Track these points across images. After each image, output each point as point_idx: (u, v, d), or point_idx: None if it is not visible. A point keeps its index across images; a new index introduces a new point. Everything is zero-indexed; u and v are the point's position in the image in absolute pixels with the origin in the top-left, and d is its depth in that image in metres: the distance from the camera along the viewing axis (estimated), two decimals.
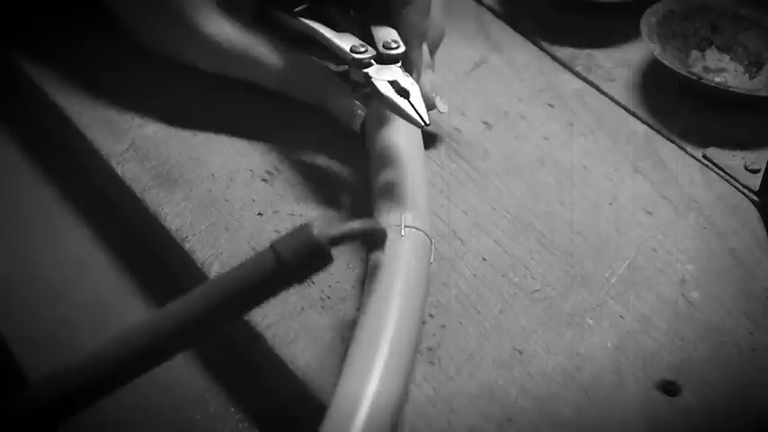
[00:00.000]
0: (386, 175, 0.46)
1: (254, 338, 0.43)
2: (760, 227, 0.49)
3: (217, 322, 0.36)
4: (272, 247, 0.37)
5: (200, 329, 0.36)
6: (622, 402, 0.41)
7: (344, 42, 0.48)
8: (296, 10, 0.51)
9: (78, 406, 0.35)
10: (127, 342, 0.35)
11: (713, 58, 0.58)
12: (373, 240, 0.42)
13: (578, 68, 0.58)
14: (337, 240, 0.37)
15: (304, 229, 0.37)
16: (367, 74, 0.47)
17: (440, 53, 0.54)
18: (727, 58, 0.58)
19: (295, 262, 0.36)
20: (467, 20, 0.61)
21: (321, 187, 0.49)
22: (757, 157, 0.52)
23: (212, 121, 0.52)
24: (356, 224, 0.39)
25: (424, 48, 0.50)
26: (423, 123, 0.45)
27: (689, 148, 0.53)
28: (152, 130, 0.51)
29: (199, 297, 0.36)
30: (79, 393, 0.35)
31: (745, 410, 0.41)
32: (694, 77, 0.54)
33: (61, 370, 0.35)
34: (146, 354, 0.35)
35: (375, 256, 0.42)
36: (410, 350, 0.39)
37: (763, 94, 0.54)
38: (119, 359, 0.35)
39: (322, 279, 0.44)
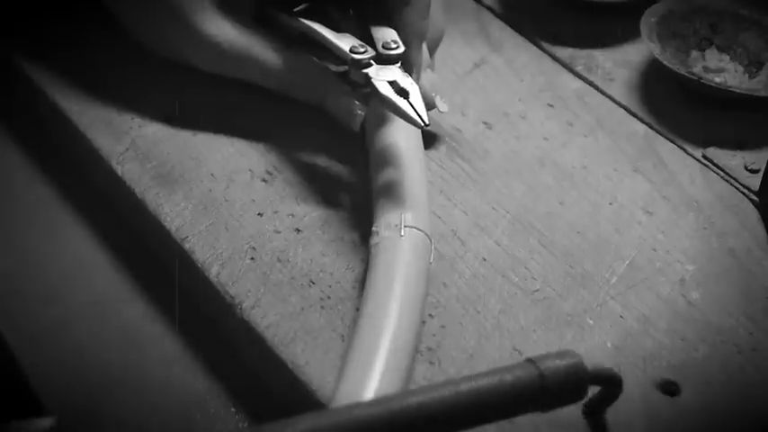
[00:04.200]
0: (386, 175, 0.46)
1: (254, 338, 0.43)
2: (760, 227, 0.49)
3: (452, 426, 0.34)
4: (533, 363, 0.34)
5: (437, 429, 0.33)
6: (622, 402, 0.41)
7: (344, 43, 0.48)
8: (295, 10, 0.51)
9: None
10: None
11: (713, 58, 0.58)
12: (611, 395, 0.38)
13: (578, 68, 0.58)
14: (596, 380, 0.35)
15: (573, 358, 0.35)
16: (367, 74, 0.47)
17: (440, 53, 0.54)
18: (727, 57, 0.58)
19: (557, 390, 0.34)
20: (467, 20, 0.61)
21: (321, 187, 0.49)
22: (757, 157, 0.52)
23: (212, 121, 0.52)
24: (611, 370, 0.37)
25: (424, 48, 0.50)
26: (422, 124, 0.45)
27: (689, 148, 0.53)
28: (152, 130, 0.51)
29: (446, 394, 0.33)
30: None
31: (745, 410, 0.41)
32: (694, 77, 0.54)
33: None
34: None
35: (374, 255, 0.42)
36: (410, 350, 0.39)
37: (762, 94, 0.54)
38: None
39: (322, 279, 0.44)
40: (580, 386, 0.35)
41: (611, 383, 0.38)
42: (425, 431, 0.34)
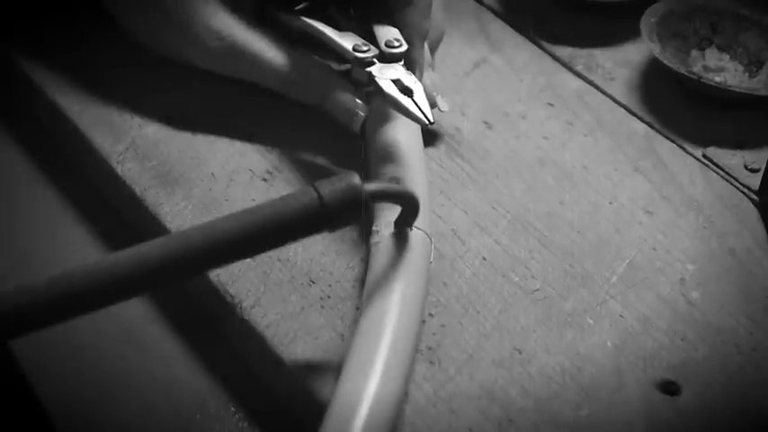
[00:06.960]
0: (386, 175, 0.46)
1: (254, 338, 0.43)
2: (760, 227, 0.49)
3: (244, 251, 0.37)
4: (314, 186, 0.37)
5: (227, 254, 0.37)
6: (622, 402, 0.41)
7: (347, 41, 0.48)
8: (297, 9, 0.51)
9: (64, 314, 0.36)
10: (146, 257, 0.35)
11: (713, 57, 0.58)
12: (407, 211, 0.41)
13: (578, 68, 0.58)
14: (377, 196, 0.38)
15: (348, 177, 0.38)
16: (370, 73, 0.47)
17: (440, 53, 0.54)
18: (727, 57, 0.58)
19: (336, 206, 0.37)
20: (467, 20, 0.61)
21: None
22: (757, 157, 0.52)
23: (212, 121, 0.52)
24: (395, 186, 0.41)
25: (426, 47, 0.50)
26: (427, 122, 0.45)
27: (689, 148, 0.53)
28: (152, 130, 0.51)
29: (234, 221, 0.36)
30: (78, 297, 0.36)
31: (745, 410, 0.41)
32: (694, 77, 0.54)
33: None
34: (167, 269, 0.36)
35: (374, 254, 0.42)
36: (410, 350, 0.39)
37: (763, 93, 0.54)
38: (134, 270, 0.35)
39: (322, 279, 0.44)
40: (357, 205, 0.38)
41: (400, 200, 0.41)
42: (215, 259, 0.37)
